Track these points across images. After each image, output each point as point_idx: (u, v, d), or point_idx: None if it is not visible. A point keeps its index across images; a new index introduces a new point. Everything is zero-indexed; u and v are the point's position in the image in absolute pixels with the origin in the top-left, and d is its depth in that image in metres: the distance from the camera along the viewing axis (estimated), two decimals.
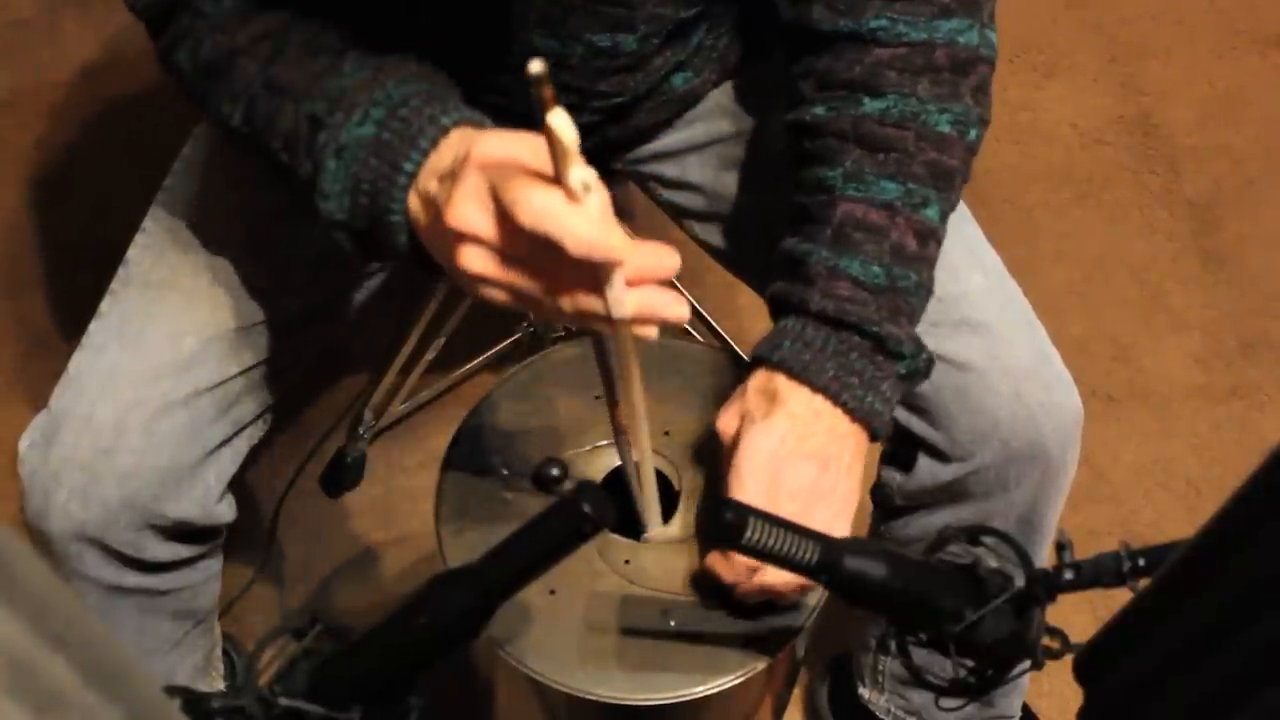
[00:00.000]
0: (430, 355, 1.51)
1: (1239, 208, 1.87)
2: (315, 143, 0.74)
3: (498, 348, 1.54)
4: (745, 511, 0.64)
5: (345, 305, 1.05)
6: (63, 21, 2.03)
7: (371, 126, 0.71)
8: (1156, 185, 1.90)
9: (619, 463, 0.83)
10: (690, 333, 1.54)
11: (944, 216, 0.84)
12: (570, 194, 0.57)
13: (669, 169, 1.07)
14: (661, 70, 0.96)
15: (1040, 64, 2.04)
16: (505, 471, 0.84)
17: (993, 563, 0.68)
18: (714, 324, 1.59)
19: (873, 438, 0.81)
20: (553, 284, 0.63)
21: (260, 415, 1.00)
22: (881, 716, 1.22)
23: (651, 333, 0.63)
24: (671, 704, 0.75)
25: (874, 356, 0.79)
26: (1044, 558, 1.05)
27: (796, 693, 1.39)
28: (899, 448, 1.02)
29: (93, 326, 0.96)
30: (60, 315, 1.68)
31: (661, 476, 0.82)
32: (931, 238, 0.83)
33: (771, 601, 0.78)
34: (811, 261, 0.81)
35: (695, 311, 1.60)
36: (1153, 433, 1.64)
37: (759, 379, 0.80)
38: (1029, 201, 1.87)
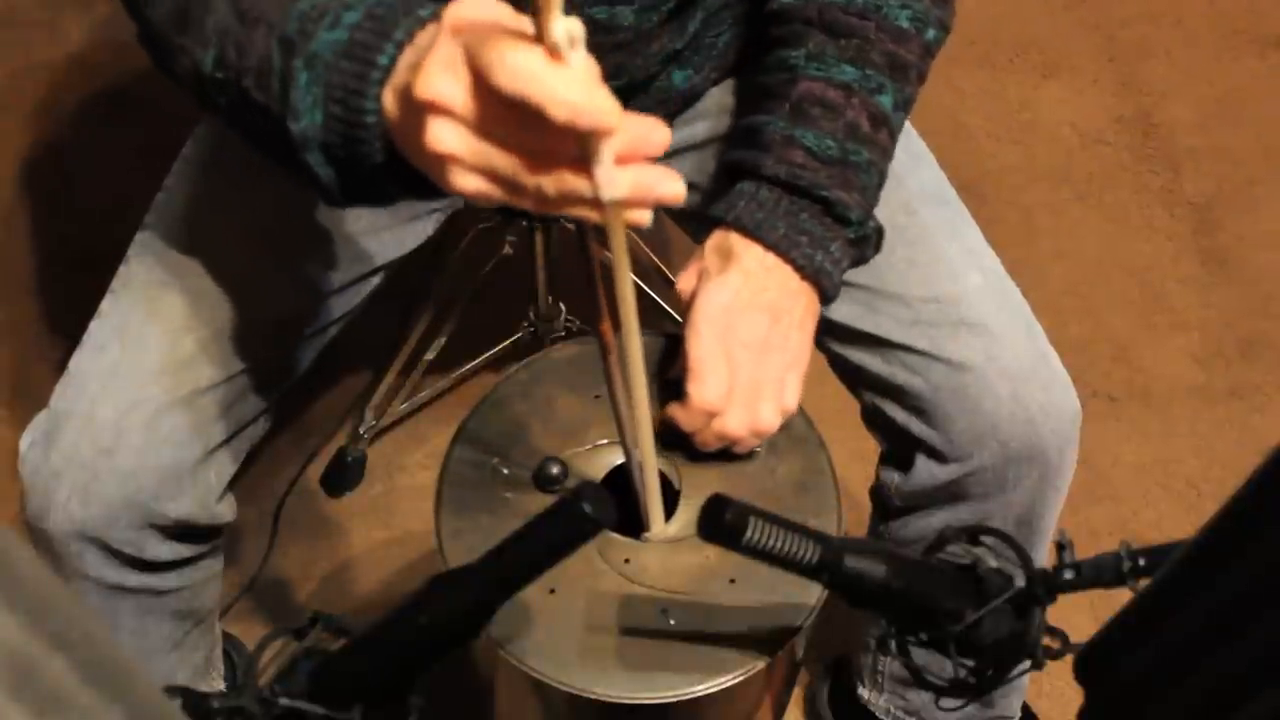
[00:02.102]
0: (430, 355, 1.51)
1: (1239, 208, 1.87)
2: (288, 67, 0.67)
3: (498, 348, 1.54)
4: (745, 511, 0.64)
5: (346, 305, 1.05)
6: (63, 17, 2.03)
7: (344, 31, 0.64)
8: (1156, 185, 1.90)
9: (619, 462, 0.83)
10: None
11: (896, 107, 0.88)
12: (553, 51, 0.51)
13: (670, 168, 1.07)
14: (659, 56, 0.96)
15: (1040, 64, 2.04)
16: (505, 471, 0.84)
17: (993, 563, 0.68)
18: None
19: (823, 298, 0.85)
20: (534, 163, 0.55)
21: (261, 414, 1.00)
22: (881, 716, 1.23)
23: (645, 218, 0.57)
24: (671, 703, 0.75)
25: (823, 219, 0.84)
26: (1043, 558, 1.05)
27: (796, 693, 1.39)
28: (897, 448, 1.02)
29: (93, 326, 0.96)
30: (61, 314, 1.68)
31: (661, 476, 0.82)
32: (884, 124, 0.87)
33: (771, 601, 0.78)
34: (768, 130, 0.86)
35: None
36: (1153, 433, 1.64)
37: (715, 238, 0.85)
38: (1029, 201, 1.87)
